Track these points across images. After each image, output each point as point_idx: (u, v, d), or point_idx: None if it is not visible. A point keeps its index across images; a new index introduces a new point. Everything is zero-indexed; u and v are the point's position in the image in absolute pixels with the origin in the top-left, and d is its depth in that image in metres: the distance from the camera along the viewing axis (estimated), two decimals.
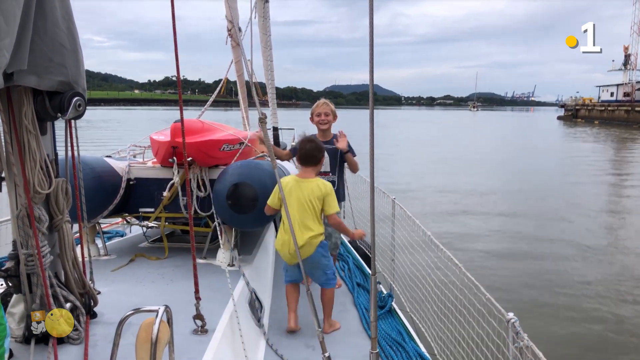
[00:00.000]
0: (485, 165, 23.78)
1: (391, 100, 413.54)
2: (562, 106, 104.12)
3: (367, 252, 5.86)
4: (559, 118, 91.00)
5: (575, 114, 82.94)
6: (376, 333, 2.45)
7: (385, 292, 4.51)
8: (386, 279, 4.84)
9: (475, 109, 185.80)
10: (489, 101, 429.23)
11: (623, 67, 79.27)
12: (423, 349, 3.65)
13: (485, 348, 3.13)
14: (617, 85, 79.91)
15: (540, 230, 11.82)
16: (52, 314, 2.56)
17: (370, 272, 4.89)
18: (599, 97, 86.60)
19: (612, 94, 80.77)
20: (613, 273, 8.92)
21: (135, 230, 5.62)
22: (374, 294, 2.42)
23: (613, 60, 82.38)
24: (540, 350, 2.32)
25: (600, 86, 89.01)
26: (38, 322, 2.58)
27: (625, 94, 74.72)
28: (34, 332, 2.59)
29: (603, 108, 74.29)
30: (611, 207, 15.17)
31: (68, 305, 2.78)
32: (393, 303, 4.30)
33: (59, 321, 2.56)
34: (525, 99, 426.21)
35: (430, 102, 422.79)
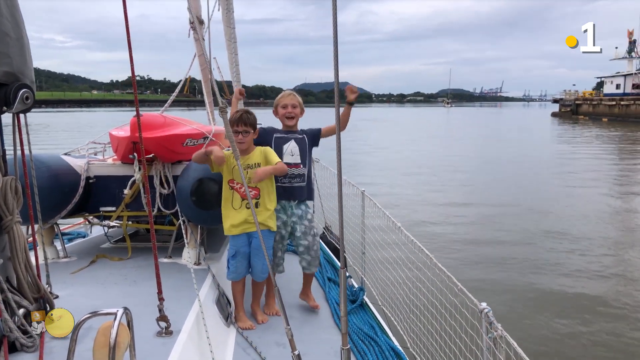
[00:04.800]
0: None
1: (362, 97, 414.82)
2: (555, 101, 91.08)
3: (337, 246, 5.78)
4: (554, 115, 76.99)
5: (576, 109, 71.27)
6: (346, 328, 2.37)
7: (356, 285, 4.44)
8: (357, 272, 4.77)
9: (449, 105, 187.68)
10: (459, 97, 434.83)
11: (627, 55, 67.73)
12: (396, 343, 3.59)
13: (458, 340, 3.08)
14: (625, 75, 66.86)
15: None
16: (51, 314, 2.53)
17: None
18: (601, 90, 74.43)
19: (617, 86, 67.70)
20: (594, 264, 8.91)
21: (98, 230, 5.43)
22: (343, 288, 2.34)
23: (616, 48, 70.56)
24: (514, 340, 2.27)
25: (601, 77, 75.73)
26: (38, 322, 2.53)
27: (635, 86, 63.29)
28: (34, 332, 2.52)
29: (614, 103, 61.56)
30: None
31: (21, 311, 2.63)
32: (365, 297, 4.23)
33: (59, 322, 2.53)
34: (493, 94, 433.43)
35: (400, 99, 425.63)
